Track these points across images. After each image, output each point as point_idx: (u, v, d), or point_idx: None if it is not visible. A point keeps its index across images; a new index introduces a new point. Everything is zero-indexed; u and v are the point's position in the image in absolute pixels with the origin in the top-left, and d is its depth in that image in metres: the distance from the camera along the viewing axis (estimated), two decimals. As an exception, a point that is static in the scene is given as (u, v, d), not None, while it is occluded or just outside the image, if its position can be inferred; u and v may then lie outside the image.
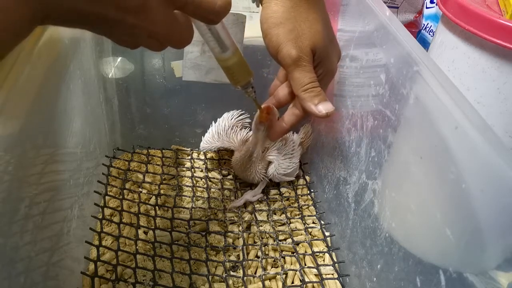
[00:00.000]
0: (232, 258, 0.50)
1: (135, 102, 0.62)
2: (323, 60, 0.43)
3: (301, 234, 0.54)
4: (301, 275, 0.48)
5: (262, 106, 0.48)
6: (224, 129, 0.60)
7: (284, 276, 0.48)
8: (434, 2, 0.78)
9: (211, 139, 0.60)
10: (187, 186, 0.59)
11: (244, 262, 0.49)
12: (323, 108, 0.42)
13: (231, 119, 0.62)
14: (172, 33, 0.30)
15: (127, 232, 0.51)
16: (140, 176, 0.60)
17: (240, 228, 0.53)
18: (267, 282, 0.48)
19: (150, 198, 0.57)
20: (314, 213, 0.58)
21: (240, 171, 0.57)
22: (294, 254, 0.51)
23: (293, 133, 0.63)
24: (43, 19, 0.24)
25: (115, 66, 0.59)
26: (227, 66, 0.40)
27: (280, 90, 0.48)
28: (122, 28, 0.27)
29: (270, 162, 0.57)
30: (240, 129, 0.61)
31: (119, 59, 0.59)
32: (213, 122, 0.62)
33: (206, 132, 0.62)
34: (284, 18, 0.40)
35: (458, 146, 0.30)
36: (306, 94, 0.41)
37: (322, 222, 0.56)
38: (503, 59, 0.44)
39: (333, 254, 0.51)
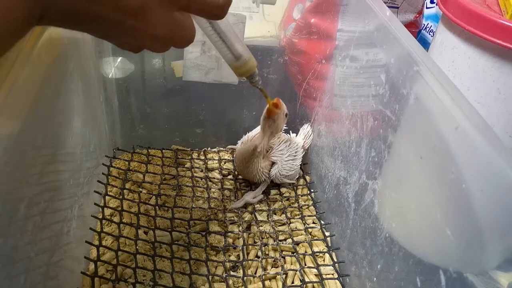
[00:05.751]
0: (232, 258, 0.50)
1: (135, 102, 0.62)
2: None
3: (301, 234, 0.54)
4: (301, 275, 0.48)
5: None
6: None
7: (284, 276, 0.48)
8: (434, 2, 0.78)
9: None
10: (187, 186, 0.59)
11: (244, 262, 0.49)
12: None
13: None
14: (174, 35, 0.29)
15: (127, 232, 0.51)
16: (140, 176, 0.60)
17: (240, 228, 0.53)
18: (267, 282, 0.48)
19: (150, 198, 0.57)
20: (314, 213, 0.58)
21: (242, 166, 0.57)
22: (294, 254, 0.51)
23: (296, 135, 0.63)
24: (40, 19, 0.23)
25: (115, 66, 0.59)
26: (240, 72, 0.40)
27: None
28: (122, 30, 0.26)
29: (273, 163, 0.58)
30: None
31: (119, 59, 0.59)
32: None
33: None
34: None
35: (458, 146, 0.30)
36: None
37: (322, 222, 0.56)
38: (503, 59, 0.44)
39: (333, 254, 0.51)
